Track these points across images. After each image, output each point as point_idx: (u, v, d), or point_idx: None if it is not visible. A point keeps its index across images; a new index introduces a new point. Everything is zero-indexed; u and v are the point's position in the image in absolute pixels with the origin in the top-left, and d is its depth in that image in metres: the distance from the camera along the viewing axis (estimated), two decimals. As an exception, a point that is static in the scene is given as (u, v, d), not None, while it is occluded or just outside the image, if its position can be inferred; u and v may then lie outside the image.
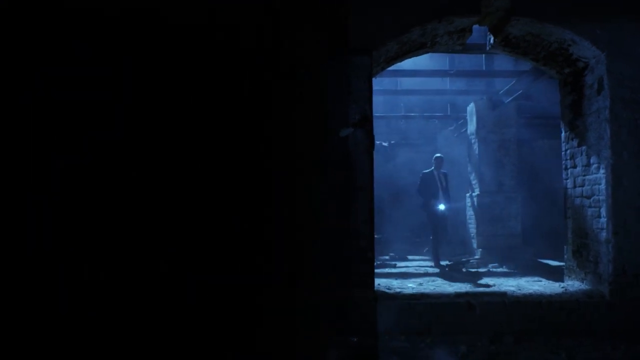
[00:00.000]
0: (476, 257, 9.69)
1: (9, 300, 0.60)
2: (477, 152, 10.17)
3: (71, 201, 0.62)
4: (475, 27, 5.70)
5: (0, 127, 0.61)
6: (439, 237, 9.03)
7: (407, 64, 8.51)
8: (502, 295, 5.36)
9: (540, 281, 6.91)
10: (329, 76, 1.17)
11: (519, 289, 5.81)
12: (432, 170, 9.23)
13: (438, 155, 9.44)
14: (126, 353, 0.62)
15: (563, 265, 8.36)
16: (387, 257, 10.47)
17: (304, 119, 0.83)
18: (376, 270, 5.89)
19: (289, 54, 0.78)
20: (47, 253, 0.61)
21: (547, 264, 8.97)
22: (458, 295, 5.32)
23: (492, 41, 5.90)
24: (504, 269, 8.59)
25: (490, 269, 8.60)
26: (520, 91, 8.60)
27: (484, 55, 9.04)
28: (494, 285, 6.48)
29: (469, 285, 6.35)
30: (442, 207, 8.91)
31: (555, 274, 7.55)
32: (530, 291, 5.60)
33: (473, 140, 10.42)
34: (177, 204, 0.64)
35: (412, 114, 12.49)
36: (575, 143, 5.96)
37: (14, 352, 0.60)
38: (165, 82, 0.65)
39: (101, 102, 0.64)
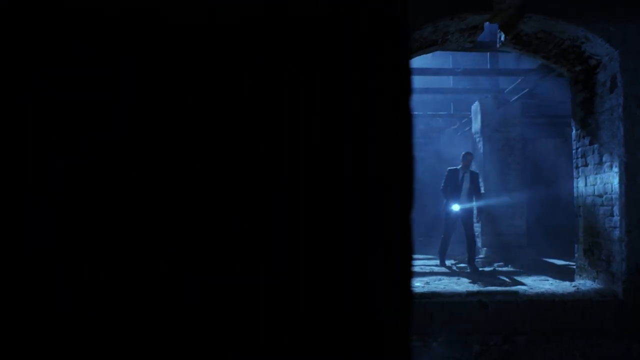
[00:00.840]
0: (481, 256, 9.56)
1: (9, 300, 0.60)
2: (481, 150, 10.05)
3: (71, 201, 0.62)
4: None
5: (0, 127, 0.61)
6: (448, 238, 8.78)
7: (411, 62, 8.39)
8: (515, 294, 5.31)
9: (548, 280, 6.85)
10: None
11: (530, 288, 5.76)
12: (457, 168, 8.63)
13: (466, 152, 8.75)
14: (126, 353, 0.62)
15: (568, 265, 8.30)
16: (392, 256, 10.39)
17: (321, 116, 0.82)
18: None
19: (293, 53, 0.77)
20: (47, 253, 0.61)
21: (553, 263, 8.89)
22: (470, 294, 5.29)
23: (502, 39, 5.85)
24: (509, 268, 8.50)
25: (496, 268, 8.51)
26: (527, 90, 8.46)
27: (488, 53, 8.91)
28: (502, 283, 6.44)
29: (477, 284, 6.31)
30: (456, 207, 8.39)
31: (561, 274, 7.48)
32: (542, 290, 5.55)
33: (478, 139, 10.30)
34: (178, 204, 0.64)
35: (415, 112, 12.37)
36: (586, 141, 5.89)
37: (14, 352, 0.60)
38: (166, 82, 0.65)
39: (101, 102, 0.64)
